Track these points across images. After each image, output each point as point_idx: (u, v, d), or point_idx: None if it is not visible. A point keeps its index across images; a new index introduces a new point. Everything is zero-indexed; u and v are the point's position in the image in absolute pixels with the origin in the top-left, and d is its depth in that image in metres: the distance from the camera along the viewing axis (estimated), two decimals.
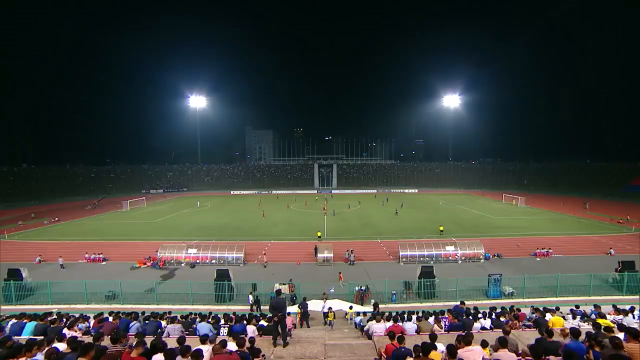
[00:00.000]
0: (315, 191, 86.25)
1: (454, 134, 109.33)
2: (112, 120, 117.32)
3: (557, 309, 10.25)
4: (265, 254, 24.25)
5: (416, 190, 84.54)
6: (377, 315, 9.07)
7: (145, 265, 23.60)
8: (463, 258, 24.04)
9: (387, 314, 10.36)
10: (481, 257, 24.17)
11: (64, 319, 9.21)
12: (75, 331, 7.78)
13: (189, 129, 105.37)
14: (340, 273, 20.55)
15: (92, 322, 9.18)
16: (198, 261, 24.09)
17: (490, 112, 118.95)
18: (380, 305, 16.51)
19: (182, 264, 23.89)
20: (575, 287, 17.24)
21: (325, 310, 13.15)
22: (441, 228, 33.14)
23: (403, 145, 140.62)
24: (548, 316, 9.07)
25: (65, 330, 7.58)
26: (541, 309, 9.91)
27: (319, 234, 31.36)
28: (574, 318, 9.54)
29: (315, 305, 14.07)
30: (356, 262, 23.88)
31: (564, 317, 9.29)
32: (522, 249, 26.89)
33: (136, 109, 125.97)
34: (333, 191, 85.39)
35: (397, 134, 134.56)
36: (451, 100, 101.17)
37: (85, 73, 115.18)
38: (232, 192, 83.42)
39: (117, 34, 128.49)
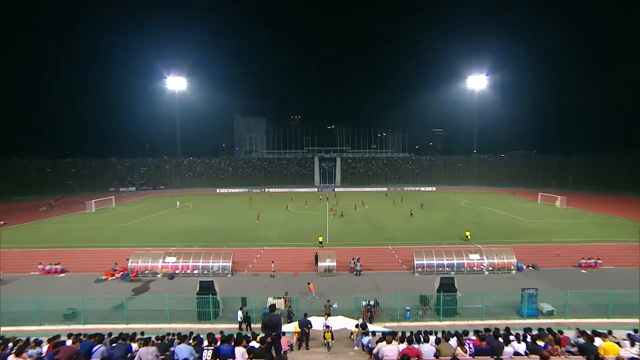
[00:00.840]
0: (316, 189, 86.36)
1: (480, 121, 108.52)
2: (72, 105, 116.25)
3: (610, 332, 10.07)
4: (273, 261, 24.39)
5: (434, 188, 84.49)
6: (387, 336, 8.98)
7: (114, 277, 23.57)
8: (490, 268, 23.95)
9: (399, 334, 10.25)
10: (512, 267, 24.04)
11: (10, 344, 8.98)
12: (25, 358, 7.64)
13: (166, 116, 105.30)
14: (309, 284, 20.39)
15: (45, 346, 9.05)
16: (177, 271, 24.08)
17: (524, 95, 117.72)
18: (392, 324, 16.51)
19: (159, 275, 23.89)
20: (633, 307, 16.47)
21: (324, 329, 13.07)
22: (468, 234, 33.11)
23: (419, 136, 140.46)
24: (598, 341, 8.87)
25: (11, 358, 7.39)
26: (589, 332, 9.74)
27: (320, 239, 31.47)
28: (632, 345, 9.29)
29: (315, 323, 14.01)
30: (363, 272, 23.89)
31: (619, 343, 9.08)
32: (563, 258, 26.74)
33: (102, 91, 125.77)
34: (336, 189, 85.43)
35: (411, 123, 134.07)
36: (477, 82, 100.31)
37: (40, 47, 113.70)
38: (218, 190, 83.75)
39: (77, 1, 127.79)
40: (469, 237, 32.74)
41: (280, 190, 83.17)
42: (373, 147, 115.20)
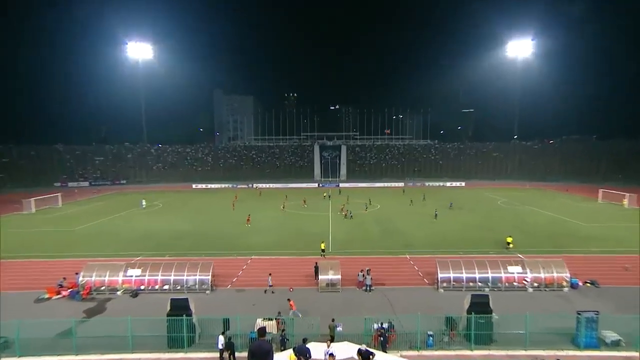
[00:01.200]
0: (316, 185, 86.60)
1: (523, 99, 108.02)
2: (4, 77, 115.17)
3: None
4: (271, 274, 24.54)
5: (463, 184, 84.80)
6: None
7: (60, 296, 23.50)
8: (536, 284, 23.88)
9: None
10: (565, 283, 23.95)
11: None
12: None
13: (127, 92, 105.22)
14: (290, 300, 20.43)
15: None
16: (142, 287, 24.13)
17: (581, 64, 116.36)
18: (410, 353, 16.49)
19: (118, 292, 23.92)
20: None
21: (326, 357, 13.11)
22: (510, 240, 33.08)
23: (444, 118, 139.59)
24: None
25: None
26: None
27: (322, 246, 31.79)
28: None
29: (315, 351, 14.06)
30: (374, 288, 24.00)
31: None
32: (632, 273, 26.52)
33: (44, 59, 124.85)
34: (341, 184, 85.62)
35: (435, 102, 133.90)
36: (520, 49, 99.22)
37: None
38: (194, 186, 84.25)
39: None
40: (512, 244, 32.64)
41: (271, 185, 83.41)
42: (387, 133, 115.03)
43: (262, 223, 44.27)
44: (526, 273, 24.18)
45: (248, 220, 43.91)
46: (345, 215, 47.87)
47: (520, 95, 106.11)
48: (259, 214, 49.25)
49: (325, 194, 67.56)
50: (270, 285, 23.90)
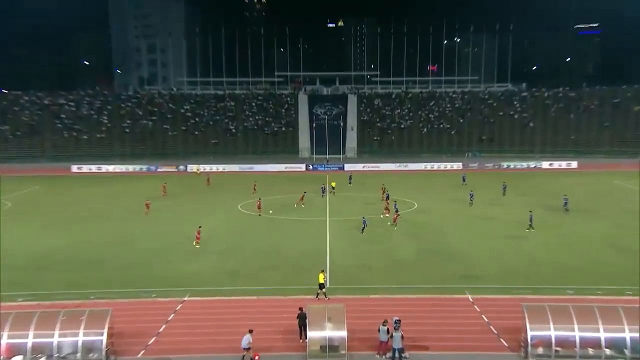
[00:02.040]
0: (303, 166, 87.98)
1: None
2: None
3: None
4: (251, 331, 23.69)
5: (574, 164, 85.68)
6: None
7: None
8: None
9: None
10: None
11: None
12: None
13: None
14: None
15: None
16: None
17: None
18: None
19: None
20: None
21: None
22: None
23: (538, 46, 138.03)
24: None
25: None
26: None
27: (321, 277, 31.37)
28: None
29: None
30: (408, 355, 23.92)
31: None
32: None
33: None
34: (347, 165, 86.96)
35: (521, 15, 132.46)
36: None
37: None
38: (75, 168, 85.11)
39: None
40: None
41: (224, 168, 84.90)
42: (431, 71, 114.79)
43: (210, 236, 44.41)
44: None
45: (198, 235, 43.65)
46: (395, 220, 48.47)
47: None
48: (208, 221, 49.31)
49: (333, 184, 67.81)
50: (247, 349, 23.40)
